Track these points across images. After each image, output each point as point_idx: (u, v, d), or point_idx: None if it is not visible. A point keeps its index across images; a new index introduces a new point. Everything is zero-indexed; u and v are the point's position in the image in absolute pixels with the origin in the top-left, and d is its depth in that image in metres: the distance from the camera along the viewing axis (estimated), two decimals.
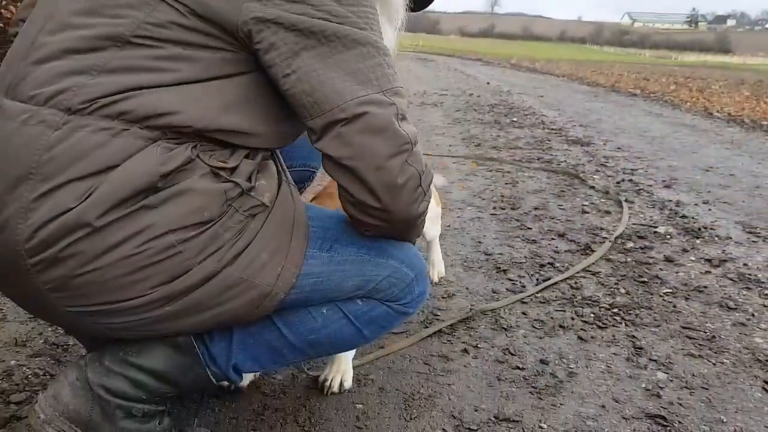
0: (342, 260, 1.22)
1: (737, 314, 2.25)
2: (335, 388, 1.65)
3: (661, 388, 1.75)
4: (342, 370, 1.68)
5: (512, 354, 1.90)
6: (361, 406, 1.61)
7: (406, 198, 1.13)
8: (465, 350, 1.91)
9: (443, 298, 2.29)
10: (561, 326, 2.09)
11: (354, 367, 1.72)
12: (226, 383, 1.49)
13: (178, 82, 1.02)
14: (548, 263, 2.68)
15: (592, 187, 4.09)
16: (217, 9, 1.01)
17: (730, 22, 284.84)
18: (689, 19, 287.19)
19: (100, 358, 1.15)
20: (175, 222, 1.00)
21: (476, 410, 1.61)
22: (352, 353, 1.71)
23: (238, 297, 1.10)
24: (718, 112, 9.33)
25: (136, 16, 1.00)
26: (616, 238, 3.00)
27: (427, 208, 1.22)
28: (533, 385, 1.74)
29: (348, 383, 1.67)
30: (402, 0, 1.36)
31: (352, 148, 1.06)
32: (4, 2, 4.46)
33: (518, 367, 1.83)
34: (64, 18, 1.04)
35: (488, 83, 13.23)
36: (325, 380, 1.66)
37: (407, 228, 1.24)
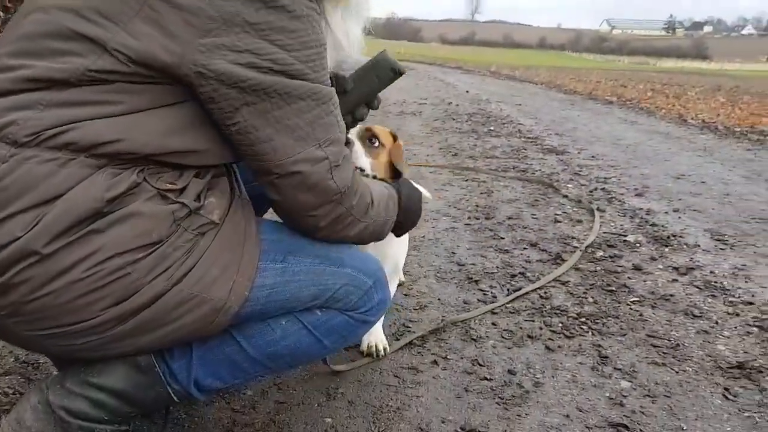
0: (296, 271, 1.25)
1: (702, 322, 2.30)
2: (381, 352, 1.92)
3: (625, 396, 1.79)
4: (380, 339, 1.94)
5: (481, 365, 1.94)
6: (330, 420, 1.63)
7: (332, 232, 1.28)
8: (435, 362, 1.94)
9: (415, 309, 2.32)
10: (529, 336, 2.13)
11: (324, 380, 1.76)
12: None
13: (122, 113, 1.05)
14: (519, 273, 2.73)
15: (566, 196, 4.15)
16: (162, 60, 1.04)
17: (707, 29, 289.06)
18: (667, 26, 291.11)
19: (62, 380, 1.17)
20: (122, 245, 1.04)
21: (443, 422, 1.64)
22: (380, 323, 1.96)
23: (190, 313, 1.13)
24: (692, 119, 9.48)
25: (81, 63, 1.03)
26: (587, 247, 3.05)
27: (366, 227, 1.33)
28: (500, 395, 1.77)
29: (387, 347, 1.95)
30: (369, 1, 1.38)
31: (285, 198, 1.20)
32: None
33: (486, 378, 1.86)
34: (3, 61, 1.07)
35: (467, 92, 13.33)
36: (370, 346, 1.92)
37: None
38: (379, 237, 1.43)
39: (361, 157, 1.75)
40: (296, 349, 1.31)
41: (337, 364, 1.83)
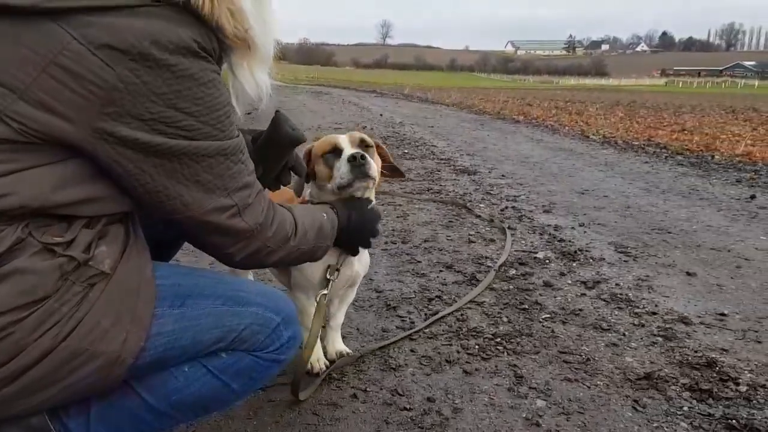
0: (196, 315, 1.21)
1: (610, 335, 2.39)
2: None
3: (540, 416, 1.82)
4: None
5: (400, 394, 1.93)
6: None
7: (250, 263, 1.35)
8: (354, 395, 1.92)
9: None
10: (447, 361, 2.14)
11: (240, 424, 1.69)
12: None
13: (11, 172, 1.01)
14: (436, 296, 2.75)
15: (479, 216, 4.24)
16: (60, 129, 1.02)
17: (605, 47, 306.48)
18: (567, 45, 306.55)
19: None
20: (5, 304, 0.99)
21: None
22: (338, 329, 2.16)
23: (82, 368, 1.08)
24: (593, 134, 9.97)
25: None
26: (500, 266, 3.12)
27: (288, 254, 1.39)
28: (420, 425, 1.76)
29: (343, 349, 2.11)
30: (271, 44, 1.35)
31: (197, 240, 1.28)
32: None
33: (406, 408, 1.85)
34: None
35: (381, 115, 13.50)
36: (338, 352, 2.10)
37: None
38: (310, 259, 1.53)
39: (372, 168, 1.79)
40: (202, 396, 1.26)
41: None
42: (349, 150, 1.82)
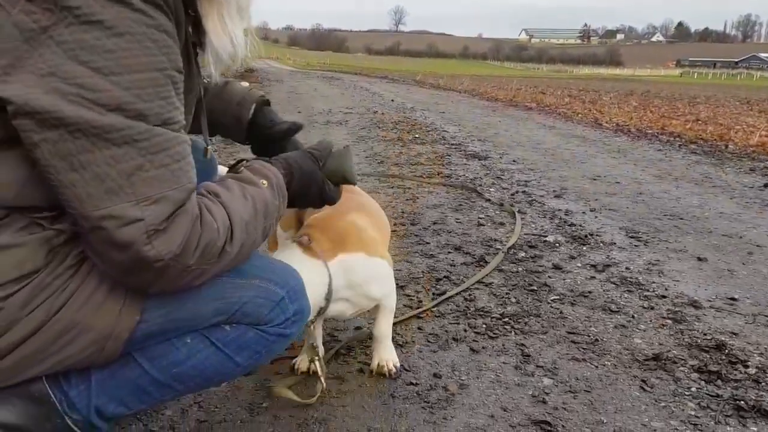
0: (195, 285, 1.14)
1: (619, 317, 2.38)
2: (393, 370, 1.87)
3: (547, 393, 1.82)
4: (387, 357, 1.90)
5: (407, 370, 1.93)
6: None
7: (169, 292, 1.10)
8: (361, 370, 1.92)
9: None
10: (454, 339, 2.14)
11: (247, 395, 1.70)
12: None
13: None
14: (444, 277, 2.74)
15: (488, 200, 4.23)
16: None
17: (620, 36, 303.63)
18: (582, 34, 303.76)
19: None
20: None
21: (369, 430, 1.62)
22: (389, 336, 1.90)
23: (74, 342, 1.05)
24: (607, 122, 9.89)
25: None
26: (509, 248, 3.11)
27: (227, 263, 1.12)
28: (426, 399, 1.77)
29: (397, 364, 1.90)
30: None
31: (97, 255, 1.02)
32: None
33: (412, 383, 1.85)
34: None
35: (393, 101, 13.44)
36: (380, 365, 1.88)
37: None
38: (262, 240, 1.23)
39: None
40: (205, 368, 1.22)
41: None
42: None
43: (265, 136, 1.69)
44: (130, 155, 0.94)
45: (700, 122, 10.52)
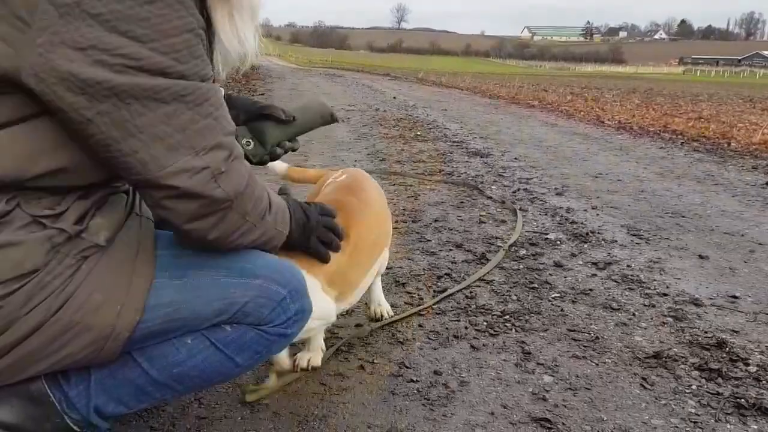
0: (197, 286, 1.16)
1: (620, 314, 2.38)
2: (303, 365, 1.81)
3: (547, 391, 1.82)
4: (312, 349, 1.86)
5: (407, 367, 1.93)
6: None
7: (225, 242, 1.14)
8: (361, 366, 1.92)
9: (342, 315, 2.29)
10: (455, 336, 2.14)
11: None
12: None
13: None
14: (445, 274, 2.74)
15: (490, 198, 4.22)
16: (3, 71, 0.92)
17: (622, 34, 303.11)
18: (584, 32, 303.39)
19: None
20: None
21: (369, 427, 1.62)
22: (321, 335, 1.89)
23: (73, 342, 1.05)
24: (609, 120, 9.87)
25: None
26: (510, 246, 3.11)
27: (263, 234, 1.19)
28: (426, 396, 1.77)
29: (317, 362, 1.84)
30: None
31: (164, 209, 1.05)
32: None
33: (412, 380, 1.85)
34: None
35: (395, 98, 13.43)
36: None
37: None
38: (269, 245, 1.26)
39: None
40: (205, 369, 1.21)
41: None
42: None
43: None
44: (181, 110, 0.99)
45: (702, 120, 10.49)
